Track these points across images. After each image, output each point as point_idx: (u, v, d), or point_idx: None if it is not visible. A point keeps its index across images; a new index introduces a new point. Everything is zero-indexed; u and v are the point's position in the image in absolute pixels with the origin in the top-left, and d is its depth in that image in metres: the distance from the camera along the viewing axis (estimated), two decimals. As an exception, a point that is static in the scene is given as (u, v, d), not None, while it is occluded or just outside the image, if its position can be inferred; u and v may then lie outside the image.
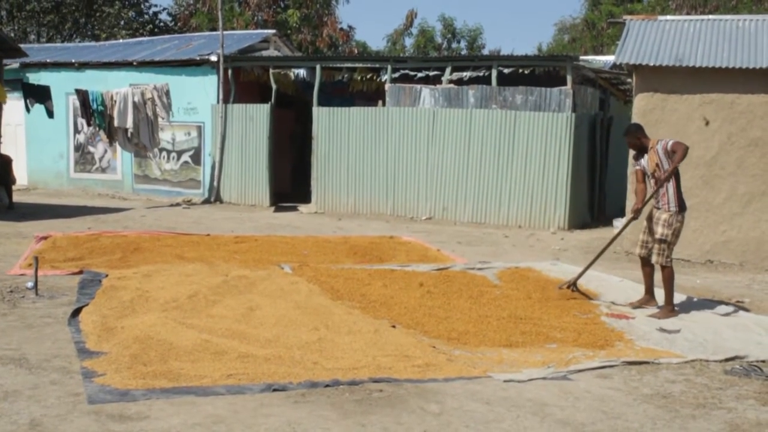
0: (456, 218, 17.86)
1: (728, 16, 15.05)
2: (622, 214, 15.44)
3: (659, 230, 8.63)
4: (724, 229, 13.13)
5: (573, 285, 9.32)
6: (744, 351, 7.19)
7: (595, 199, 18.80)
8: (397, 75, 18.96)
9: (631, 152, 8.88)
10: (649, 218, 8.86)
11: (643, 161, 8.83)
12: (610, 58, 19.96)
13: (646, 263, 8.98)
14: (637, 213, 8.93)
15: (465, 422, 5.22)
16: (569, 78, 17.05)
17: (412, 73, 18.95)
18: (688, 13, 29.44)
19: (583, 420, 5.35)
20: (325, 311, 8.02)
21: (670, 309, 8.61)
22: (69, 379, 5.78)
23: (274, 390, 5.63)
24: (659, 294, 8.85)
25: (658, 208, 8.71)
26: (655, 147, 8.66)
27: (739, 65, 12.89)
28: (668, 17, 15.39)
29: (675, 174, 8.61)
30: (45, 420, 4.99)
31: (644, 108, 13.50)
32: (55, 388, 5.59)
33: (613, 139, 19.26)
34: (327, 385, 5.76)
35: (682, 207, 8.69)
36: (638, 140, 8.90)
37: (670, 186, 8.62)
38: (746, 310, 9.21)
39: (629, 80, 16.18)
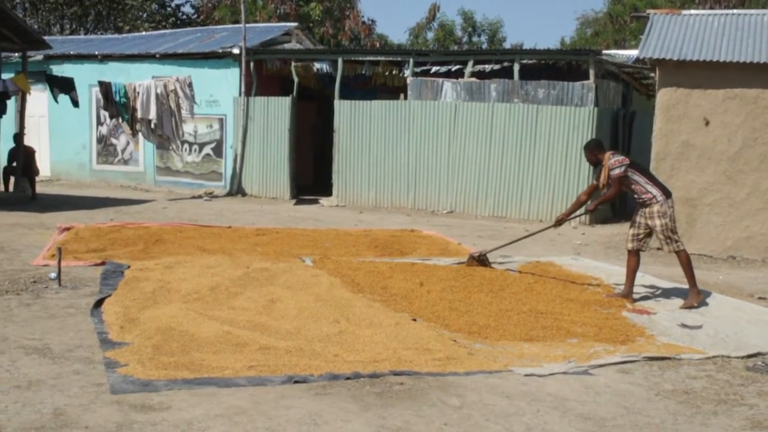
0: (477, 212, 17.83)
1: (753, 11, 14.93)
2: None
3: (657, 223, 8.72)
4: (747, 225, 13.04)
5: (484, 256, 10.36)
6: (766, 347, 7.15)
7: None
8: (419, 70, 18.96)
9: (612, 159, 8.99)
10: (637, 213, 8.93)
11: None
12: (633, 53, 19.85)
13: (634, 256, 9.04)
14: (558, 224, 9.58)
15: (486, 416, 5.22)
16: (592, 72, 16.98)
17: (434, 68, 18.94)
18: (711, 8, 29.22)
19: (603, 415, 5.34)
20: (346, 304, 8.02)
21: (696, 292, 8.77)
22: (92, 369, 5.82)
23: (295, 382, 5.64)
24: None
25: (646, 204, 8.77)
26: (607, 163, 8.80)
27: (764, 60, 12.77)
28: (692, 11, 15.30)
29: (638, 169, 8.88)
30: (68, 409, 5.03)
31: (667, 103, 13.42)
32: (78, 377, 5.64)
33: (635, 134, 19.17)
34: (348, 378, 5.77)
35: (666, 194, 8.81)
36: (594, 156, 9.04)
37: (640, 183, 8.76)
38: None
39: (652, 75, 16.09)
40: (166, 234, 12.24)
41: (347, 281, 9.19)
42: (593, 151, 9.04)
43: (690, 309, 8.55)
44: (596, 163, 9.04)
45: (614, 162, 8.75)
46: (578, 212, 9.69)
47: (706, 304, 8.83)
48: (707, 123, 13.09)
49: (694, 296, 8.72)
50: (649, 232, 8.88)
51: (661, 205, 8.67)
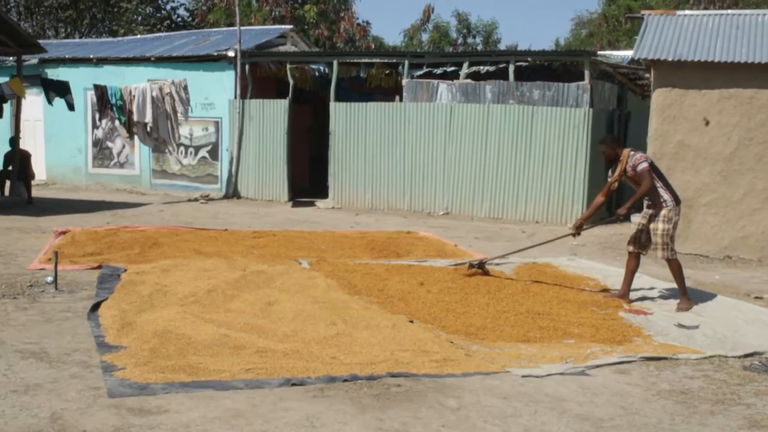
0: (473, 213, 17.83)
1: (747, 11, 14.95)
2: (639, 210, 15.34)
3: (660, 226, 8.71)
4: (743, 225, 13.05)
5: (482, 264, 10.09)
6: (763, 347, 7.17)
7: (613, 195, 18.67)
8: (420, 72, 18.96)
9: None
10: (644, 216, 8.91)
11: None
12: (627, 53, 19.87)
13: (634, 258, 9.04)
14: (577, 231, 9.30)
15: (483, 417, 5.23)
16: (587, 73, 16.98)
17: (428, 69, 18.93)
18: (706, 8, 29.27)
19: (601, 415, 5.35)
20: (342, 306, 8.03)
21: (687, 299, 8.76)
22: (89, 373, 5.82)
23: (293, 384, 5.65)
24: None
25: (654, 207, 8.75)
26: (626, 159, 8.74)
27: (758, 60, 12.78)
28: (687, 12, 15.32)
29: (657, 173, 8.84)
30: (66, 413, 5.02)
31: (662, 103, 13.43)
32: (76, 381, 5.64)
33: (630, 134, 19.19)
34: (345, 380, 5.78)
35: (677, 200, 8.80)
36: (613, 151, 8.97)
37: (656, 187, 8.72)
38: (766, 306, 9.16)
39: (647, 75, 16.10)
40: (163, 237, 12.24)
41: (344, 283, 9.19)
42: (610, 146, 8.98)
43: (685, 312, 8.56)
44: (614, 158, 8.95)
45: (639, 157, 8.68)
46: (608, 219, 9.48)
47: (697, 304, 8.83)
48: (707, 123, 13.09)
49: (686, 303, 8.72)
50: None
51: (669, 210, 8.65)
